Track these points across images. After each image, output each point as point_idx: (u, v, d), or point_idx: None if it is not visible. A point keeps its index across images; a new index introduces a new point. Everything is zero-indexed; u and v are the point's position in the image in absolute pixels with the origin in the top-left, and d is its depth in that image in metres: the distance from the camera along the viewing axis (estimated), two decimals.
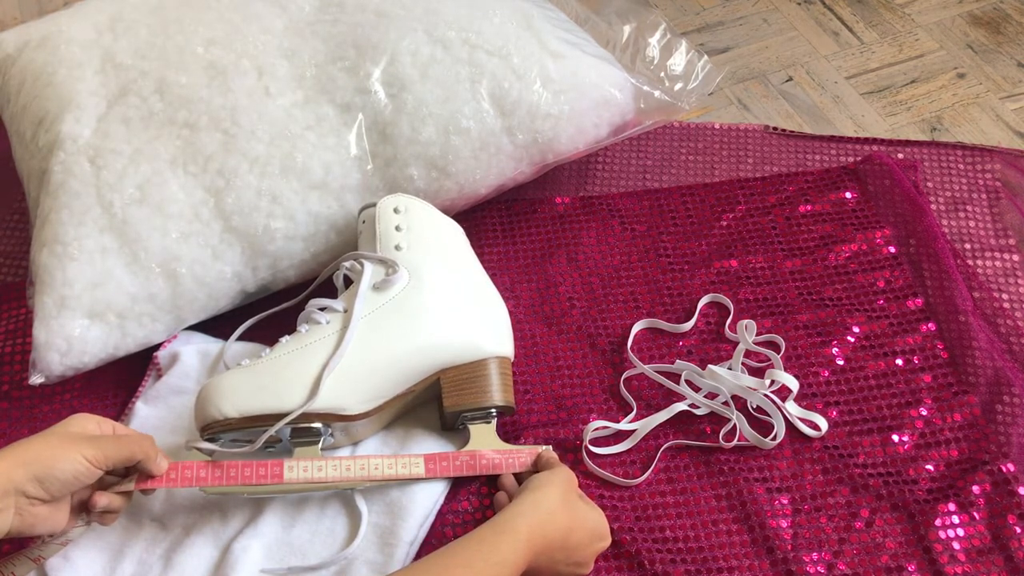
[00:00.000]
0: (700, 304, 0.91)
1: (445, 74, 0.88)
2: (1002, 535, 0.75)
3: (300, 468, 0.73)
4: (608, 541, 0.72)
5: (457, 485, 0.79)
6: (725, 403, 0.82)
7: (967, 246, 0.96)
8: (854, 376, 0.86)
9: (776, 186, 1.01)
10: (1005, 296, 0.92)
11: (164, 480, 0.70)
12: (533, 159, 0.92)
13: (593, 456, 0.81)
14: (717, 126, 1.09)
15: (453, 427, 0.81)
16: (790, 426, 0.82)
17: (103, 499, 0.67)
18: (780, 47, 1.22)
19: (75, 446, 0.63)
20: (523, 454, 0.77)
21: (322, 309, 0.79)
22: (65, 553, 0.73)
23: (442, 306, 0.79)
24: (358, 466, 0.74)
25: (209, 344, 0.87)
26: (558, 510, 0.67)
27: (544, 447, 0.78)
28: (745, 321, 0.87)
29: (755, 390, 0.82)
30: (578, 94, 0.91)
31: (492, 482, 0.79)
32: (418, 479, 0.76)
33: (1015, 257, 0.95)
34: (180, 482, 0.71)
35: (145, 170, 0.83)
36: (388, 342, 0.77)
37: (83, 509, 0.68)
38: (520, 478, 0.77)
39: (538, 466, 0.77)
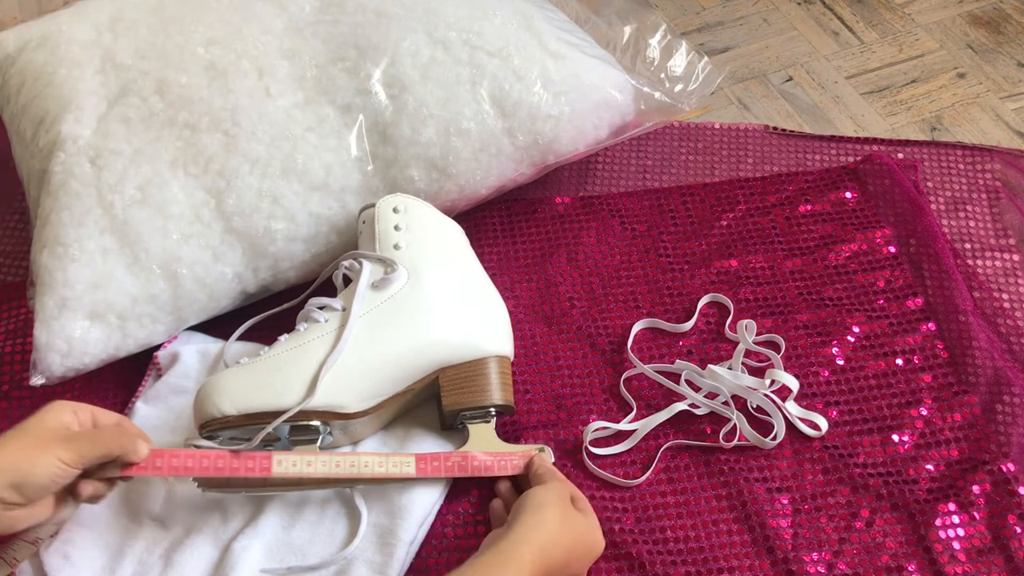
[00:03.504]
0: (700, 304, 0.91)
1: (446, 75, 0.88)
2: (1002, 535, 0.75)
3: (289, 462, 0.72)
4: (602, 546, 0.71)
5: (457, 485, 0.79)
6: (725, 403, 0.82)
7: (967, 246, 0.96)
8: (854, 376, 0.86)
9: (776, 186, 1.01)
10: (1005, 296, 0.92)
11: (150, 468, 0.68)
12: (534, 160, 0.92)
13: (593, 457, 0.81)
14: (717, 126, 1.09)
15: (452, 426, 0.81)
16: (790, 426, 0.82)
17: (88, 488, 0.66)
18: (780, 47, 1.22)
19: (50, 449, 0.62)
20: (515, 457, 0.76)
21: (321, 308, 0.79)
22: (65, 553, 0.73)
23: (441, 305, 0.79)
24: (348, 463, 0.73)
25: (209, 344, 0.87)
26: (559, 531, 0.66)
27: (537, 448, 0.78)
28: (745, 321, 0.87)
29: (755, 390, 0.82)
30: (579, 95, 0.91)
31: (492, 482, 0.79)
32: (411, 479, 0.75)
33: (1015, 257, 0.95)
34: (167, 470, 0.69)
35: (146, 171, 0.83)
36: (387, 340, 0.77)
37: (69, 493, 0.66)
38: (517, 483, 0.77)
39: (530, 473, 0.75)
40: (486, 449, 0.78)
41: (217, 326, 0.88)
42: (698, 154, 1.06)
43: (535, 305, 0.93)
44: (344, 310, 0.78)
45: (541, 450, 0.78)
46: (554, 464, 0.79)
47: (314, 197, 0.85)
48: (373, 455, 0.74)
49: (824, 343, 0.88)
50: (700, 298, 0.92)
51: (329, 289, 0.87)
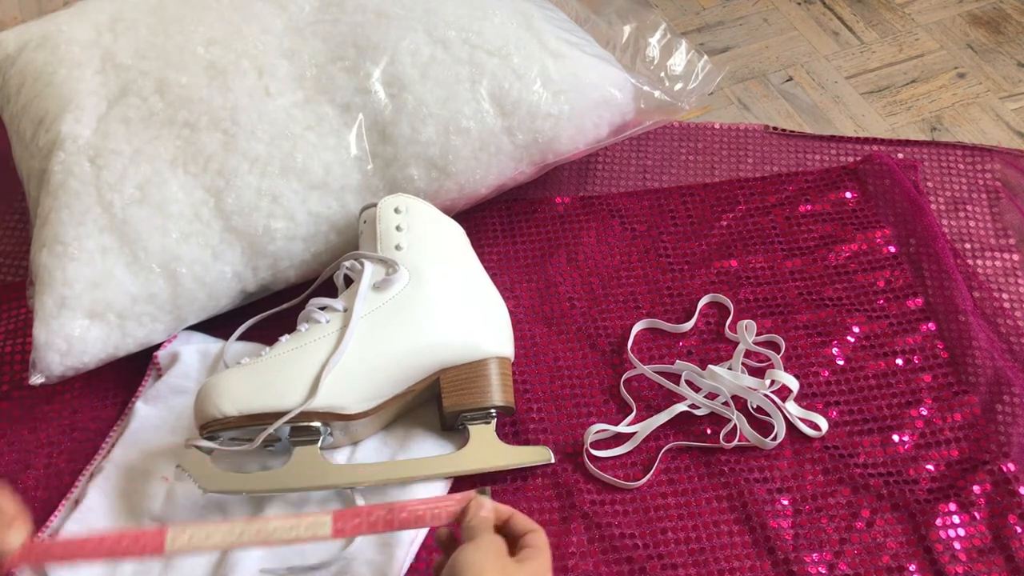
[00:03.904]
0: (700, 304, 0.91)
1: (445, 74, 0.88)
2: (1003, 535, 0.75)
3: (185, 537, 0.63)
4: None
5: (457, 485, 0.79)
6: (725, 403, 0.82)
7: (967, 246, 0.96)
8: (854, 376, 0.86)
9: (776, 186, 1.01)
10: (1005, 296, 0.92)
11: (28, 559, 0.60)
12: (533, 159, 0.92)
13: (594, 459, 0.81)
14: (717, 126, 1.09)
15: (453, 427, 0.81)
16: (790, 426, 0.82)
17: None
18: (780, 47, 1.22)
19: None
20: (451, 503, 0.66)
21: (322, 308, 0.79)
22: None
23: (442, 306, 0.79)
24: (253, 530, 0.64)
25: (209, 344, 0.87)
26: None
27: (478, 493, 0.67)
28: (745, 321, 0.87)
29: (755, 390, 0.82)
30: (578, 94, 0.91)
31: (494, 478, 0.79)
32: (324, 539, 0.66)
33: (1015, 257, 0.95)
34: (46, 560, 0.62)
35: (145, 170, 0.83)
36: (388, 341, 0.77)
37: None
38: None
39: (463, 524, 0.65)
40: (487, 449, 0.78)
41: (217, 326, 0.88)
42: (698, 154, 1.06)
43: (535, 305, 0.92)
44: (345, 311, 0.78)
45: (482, 492, 0.67)
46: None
47: (313, 196, 0.85)
48: (282, 518, 0.65)
49: (824, 343, 0.88)
50: (700, 298, 0.92)
51: (329, 289, 0.87)
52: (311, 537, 0.64)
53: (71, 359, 0.80)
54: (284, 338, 0.77)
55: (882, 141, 1.06)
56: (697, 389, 0.84)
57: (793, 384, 0.82)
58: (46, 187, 0.83)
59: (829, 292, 0.92)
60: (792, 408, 0.83)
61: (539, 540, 0.63)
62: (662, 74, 1.00)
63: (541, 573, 0.62)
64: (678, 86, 0.99)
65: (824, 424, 0.82)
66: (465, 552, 0.61)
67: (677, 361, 0.85)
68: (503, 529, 0.65)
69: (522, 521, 0.65)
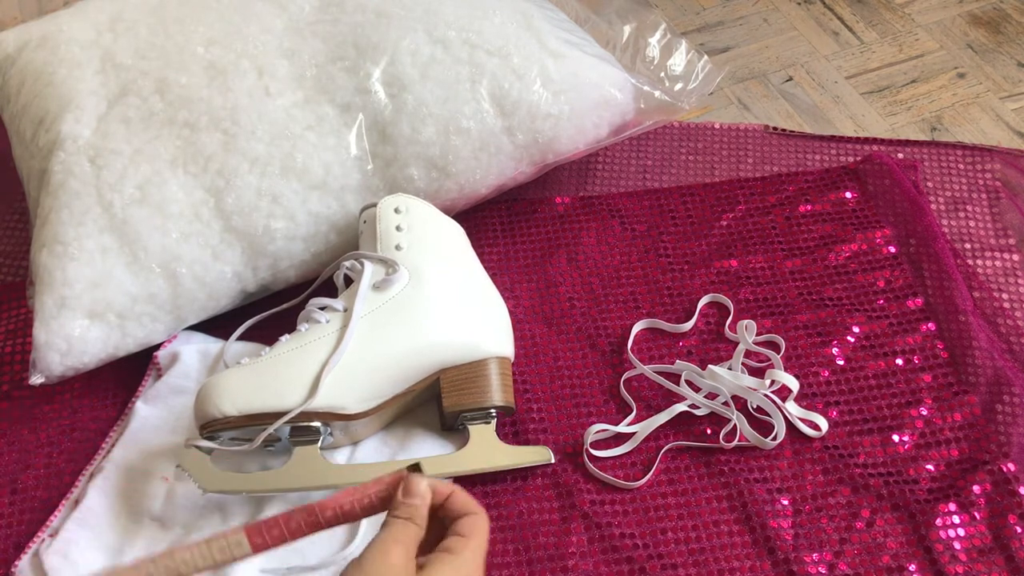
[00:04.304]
0: (700, 304, 0.91)
1: (445, 74, 0.88)
2: (1003, 535, 0.75)
3: None
4: None
5: (458, 482, 0.79)
6: (725, 403, 0.82)
7: (967, 246, 0.96)
8: (854, 376, 0.86)
9: (776, 186, 1.01)
10: (1005, 296, 0.92)
11: None
12: (533, 159, 0.92)
13: (594, 459, 0.81)
14: (717, 126, 1.09)
15: (453, 427, 0.81)
16: (790, 426, 0.82)
17: None
18: (780, 47, 1.22)
19: None
20: (380, 488, 0.56)
21: (322, 308, 0.79)
22: (65, 553, 0.73)
23: (442, 306, 0.79)
24: (162, 568, 0.55)
25: (209, 344, 0.87)
26: None
27: (408, 471, 0.56)
28: (745, 321, 0.87)
29: (755, 390, 0.82)
30: (578, 94, 0.91)
31: (494, 478, 0.79)
32: (246, 557, 0.57)
33: (1015, 257, 0.95)
34: None
35: (145, 170, 0.83)
36: (388, 341, 0.77)
37: None
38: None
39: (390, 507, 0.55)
40: (487, 449, 0.78)
41: (217, 326, 0.88)
42: (698, 154, 1.06)
43: (535, 305, 0.92)
44: (345, 311, 0.78)
45: (413, 468, 0.57)
46: (552, 465, 0.79)
47: (313, 196, 0.85)
48: (189, 548, 0.55)
49: (824, 343, 0.88)
50: (700, 298, 0.92)
51: (329, 289, 0.87)
52: (230, 558, 0.56)
53: (71, 359, 0.80)
54: (284, 338, 0.77)
55: (882, 141, 1.06)
56: (697, 389, 0.84)
57: (793, 384, 0.82)
58: (46, 187, 0.83)
59: (829, 292, 0.92)
60: (792, 408, 0.83)
61: (473, 528, 0.53)
62: (662, 74, 1.00)
63: (469, 569, 0.52)
64: (678, 86, 0.99)
65: (824, 424, 0.82)
66: (365, 558, 0.52)
67: (677, 361, 0.85)
68: (439, 512, 0.55)
69: (459, 503, 0.54)
